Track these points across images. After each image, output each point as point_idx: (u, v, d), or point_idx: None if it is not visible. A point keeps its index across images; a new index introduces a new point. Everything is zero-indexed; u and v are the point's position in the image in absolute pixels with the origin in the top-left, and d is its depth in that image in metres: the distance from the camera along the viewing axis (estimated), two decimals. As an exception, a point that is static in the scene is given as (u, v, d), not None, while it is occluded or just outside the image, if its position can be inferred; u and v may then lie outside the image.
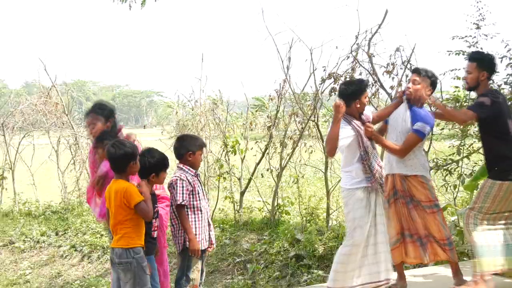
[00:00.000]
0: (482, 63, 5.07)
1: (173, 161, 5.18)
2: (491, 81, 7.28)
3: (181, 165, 5.11)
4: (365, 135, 5.06)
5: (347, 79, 8.33)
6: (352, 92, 5.06)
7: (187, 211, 5.02)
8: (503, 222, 5.09)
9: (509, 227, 5.11)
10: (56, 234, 11.52)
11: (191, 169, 5.12)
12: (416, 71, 5.27)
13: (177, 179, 4.98)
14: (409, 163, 5.18)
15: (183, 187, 4.96)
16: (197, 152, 5.16)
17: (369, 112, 5.33)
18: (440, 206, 5.40)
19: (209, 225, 5.24)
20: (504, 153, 4.93)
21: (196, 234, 5.02)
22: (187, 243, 4.99)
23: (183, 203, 4.94)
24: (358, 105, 5.08)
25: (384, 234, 5.17)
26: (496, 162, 4.99)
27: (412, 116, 5.12)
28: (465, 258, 6.66)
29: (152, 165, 4.60)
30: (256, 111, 13.95)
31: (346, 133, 5.01)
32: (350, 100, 5.05)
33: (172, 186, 4.98)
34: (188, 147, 5.12)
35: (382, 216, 5.16)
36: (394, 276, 5.37)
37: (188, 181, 5.02)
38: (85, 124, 5.68)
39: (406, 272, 5.79)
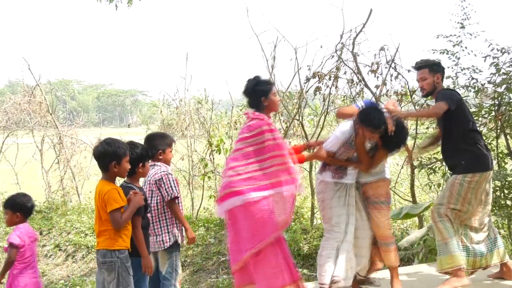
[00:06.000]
0: (433, 67, 5.23)
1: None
2: (474, 80, 7.39)
3: (158, 163, 5.10)
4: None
5: (332, 78, 8.38)
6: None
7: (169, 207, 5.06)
8: (464, 222, 5.15)
9: (468, 232, 5.15)
10: (40, 233, 11.42)
11: (167, 165, 5.15)
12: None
13: (166, 174, 5.01)
14: (380, 170, 5.19)
15: (173, 180, 5.01)
16: (167, 149, 5.19)
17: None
18: None
19: None
20: (468, 147, 5.01)
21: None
22: (177, 237, 5.06)
23: (178, 195, 5.00)
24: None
25: (350, 234, 5.04)
26: (461, 156, 5.05)
27: None
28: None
29: (139, 155, 4.59)
30: (241, 109, 13.93)
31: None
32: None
33: (162, 181, 4.97)
34: (158, 147, 5.12)
35: (352, 216, 5.07)
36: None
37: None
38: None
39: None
